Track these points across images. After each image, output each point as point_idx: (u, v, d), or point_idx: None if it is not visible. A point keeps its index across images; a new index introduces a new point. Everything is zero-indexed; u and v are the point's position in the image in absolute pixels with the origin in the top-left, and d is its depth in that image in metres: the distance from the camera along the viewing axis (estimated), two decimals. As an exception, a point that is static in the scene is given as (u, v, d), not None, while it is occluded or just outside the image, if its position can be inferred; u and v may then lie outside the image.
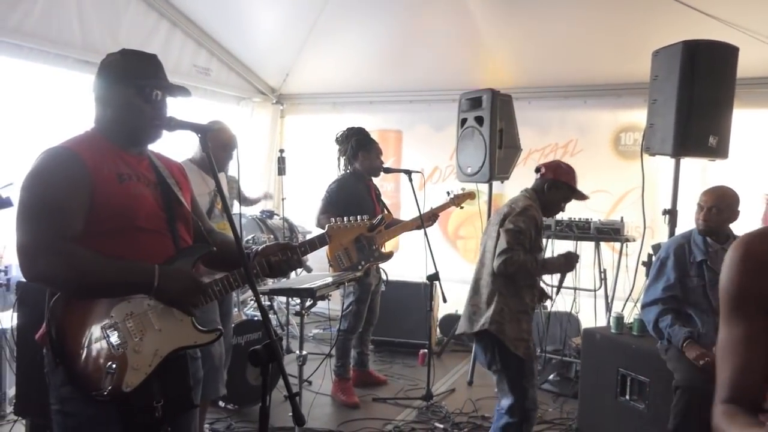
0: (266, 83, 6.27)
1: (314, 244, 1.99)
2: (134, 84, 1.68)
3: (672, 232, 3.53)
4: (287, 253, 1.85)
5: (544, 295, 3.13)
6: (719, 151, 3.37)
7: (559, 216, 3.43)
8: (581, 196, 2.99)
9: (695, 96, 3.25)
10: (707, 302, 2.91)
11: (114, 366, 1.57)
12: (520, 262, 2.69)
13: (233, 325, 3.58)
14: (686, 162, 3.64)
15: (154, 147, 1.83)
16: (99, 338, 1.58)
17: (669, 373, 2.90)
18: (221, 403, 3.65)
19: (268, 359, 1.55)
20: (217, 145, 3.02)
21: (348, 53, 5.58)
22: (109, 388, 1.55)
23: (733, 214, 2.99)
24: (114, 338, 1.58)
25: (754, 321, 1.01)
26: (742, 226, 2.67)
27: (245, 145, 5.85)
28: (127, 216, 1.65)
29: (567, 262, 2.93)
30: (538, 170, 3.02)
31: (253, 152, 6.19)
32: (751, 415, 0.99)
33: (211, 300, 1.78)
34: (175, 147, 2.12)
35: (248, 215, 5.31)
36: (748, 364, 1.02)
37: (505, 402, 2.78)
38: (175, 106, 1.79)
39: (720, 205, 2.91)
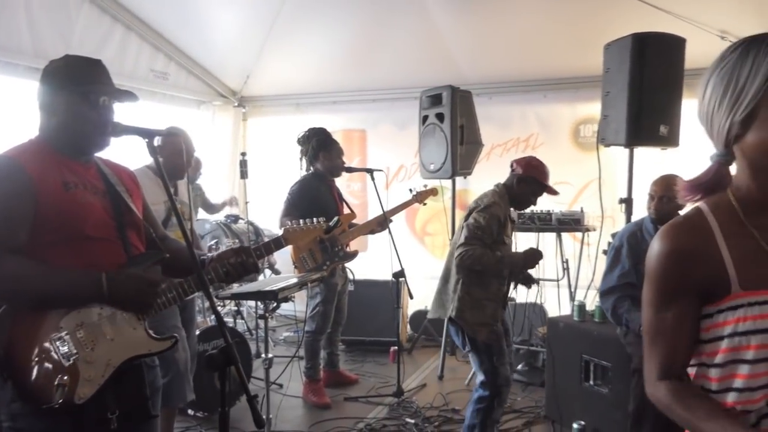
0: (227, 86, 6.21)
1: (270, 248, 1.99)
2: (79, 90, 1.65)
3: (629, 221, 3.62)
4: (242, 256, 1.84)
5: (529, 281, 3.28)
6: (670, 139, 3.47)
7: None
8: (551, 191, 3.11)
9: (645, 87, 3.34)
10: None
11: (65, 378, 1.54)
12: (476, 256, 2.87)
13: (199, 332, 3.55)
14: (646, 152, 3.73)
15: (111, 153, 1.80)
16: (49, 350, 1.55)
17: (629, 357, 2.98)
18: (190, 411, 3.61)
19: (225, 363, 1.55)
20: (173, 151, 2.98)
21: (309, 54, 5.57)
22: (60, 401, 1.52)
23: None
24: (64, 350, 1.56)
25: (683, 306, 1.06)
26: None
27: (207, 149, 5.83)
28: (74, 225, 1.62)
29: (526, 259, 3.02)
30: (511, 165, 3.15)
31: (216, 156, 6.13)
32: (699, 392, 1.06)
33: (167, 306, 1.77)
34: (135, 154, 2.06)
35: (212, 220, 5.26)
36: (679, 345, 1.07)
37: (479, 378, 3.01)
38: (132, 113, 1.76)
39: (670, 194, 3.00)
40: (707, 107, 1.05)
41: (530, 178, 3.06)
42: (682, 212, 1.14)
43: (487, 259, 2.89)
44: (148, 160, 3.05)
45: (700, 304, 1.05)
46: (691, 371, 1.10)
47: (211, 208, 5.38)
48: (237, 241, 4.86)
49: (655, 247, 1.07)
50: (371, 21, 5.13)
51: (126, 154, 2.01)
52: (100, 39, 4.52)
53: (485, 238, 2.92)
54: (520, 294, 3.73)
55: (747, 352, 1.00)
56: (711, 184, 1.05)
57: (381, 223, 4.03)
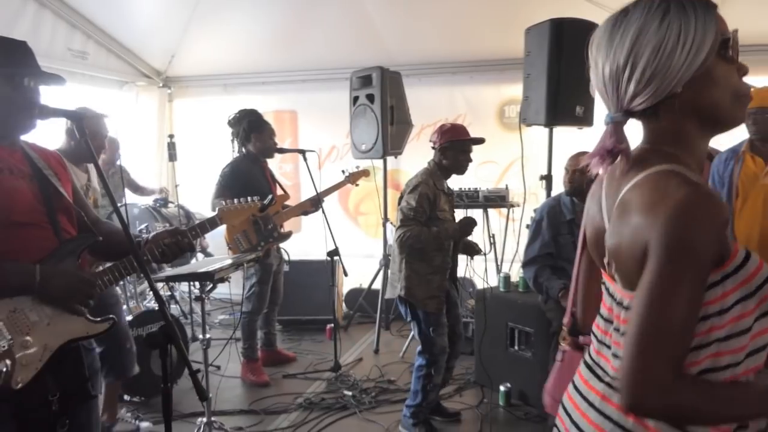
0: (150, 66, 6.01)
1: (205, 227, 2.02)
2: (2, 72, 1.61)
3: (549, 196, 3.85)
4: (177, 237, 1.86)
5: (473, 250, 3.48)
6: (585, 119, 3.70)
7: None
8: (475, 141, 3.29)
9: (562, 70, 3.54)
10: (577, 256, 3.24)
11: (3, 364, 1.53)
12: (414, 235, 3.07)
13: (132, 317, 3.51)
14: (564, 131, 3.96)
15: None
16: (-18, 337, 1.54)
17: (549, 322, 3.22)
18: (126, 397, 3.58)
19: (166, 341, 1.59)
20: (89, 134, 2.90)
21: (236, 33, 5.47)
22: (-2, 385, 1.52)
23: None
24: (-1, 336, 1.55)
25: (705, 282, 0.92)
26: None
27: (132, 131, 5.65)
28: (1, 211, 1.60)
29: (461, 228, 3.21)
30: (430, 142, 3.32)
31: (141, 138, 5.94)
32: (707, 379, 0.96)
33: (103, 290, 1.77)
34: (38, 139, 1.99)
35: (141, 205, 5.13)
36: (691, 333, 0.93)
37: (419, 348, 3.25)
38: (51, 94, 1.73)
39: (582, 168, 3.23)
40: (616, 69, 0.99)
41: (448, 143, 3.23)
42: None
43: (425, 236, 3.09)
44: (55, 144, 2.97)
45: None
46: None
47: (139, 190, 5.23)
48: (168, 225, 4.77)
49: (694, 213, 0.88)
50: (300, 0, 5.11)
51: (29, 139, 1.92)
52: (11, 16, 4.26)
53: (419, 216, 3.10)
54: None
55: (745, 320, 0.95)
56: (616, 146, 1.00)
57: (315, 203, 4.08)
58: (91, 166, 3.06)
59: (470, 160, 3.32)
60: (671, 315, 0.88)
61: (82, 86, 5.14)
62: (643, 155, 1.02)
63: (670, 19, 0.96)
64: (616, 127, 1.02)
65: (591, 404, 1.07)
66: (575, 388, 1.15)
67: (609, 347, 1.07)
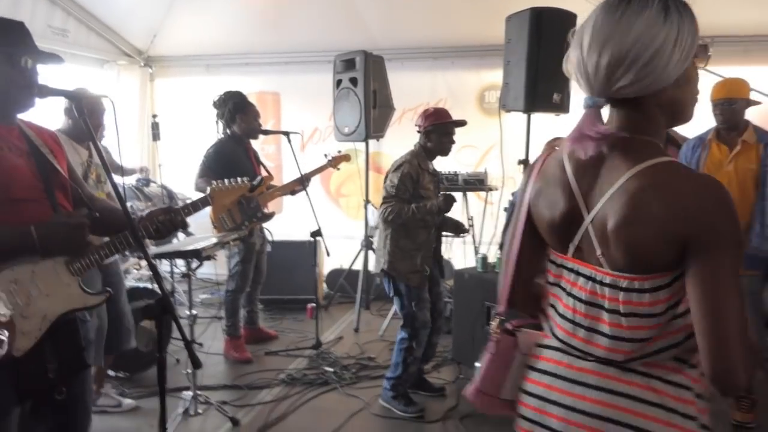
0: (132, 45, 5.97)
1: (197, 206, 2.09)
2: (2, 51, 1.66)
3: (526, 180, 3.98)
4: (171, 214, 1.93)
5: (459, 229, 3.63)
6: (562, 106, 3.83)
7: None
8: (457, 124, 3.44)
9: (541, 58, 3.65)
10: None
11: (3, 332, 1.60)
12: (395, 211, 3.23)
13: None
14: (541, 117, 4.08)
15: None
16: (-16, 307, 1.60)
17: (524, 302, 3.36)
18: (111, 372, 3.65)
19: (162, 311, 1.67)
20: (89, 113, 2.93)
21: (220, 14, 5.47)
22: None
23: None
24: (0, 306, 1.61)
25: None
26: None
27: (112, 110, 5.61)
28: (1, 188, 1.66)
29: (441, 204, 3.32)
30: (416, 125, 3.46)
31: (122, 117, 5.90)
32: None
33: (102, 260, 1.83)
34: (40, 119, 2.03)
35: (123, 184, 5.13)
36: None
37: (402, 322, 3.40)
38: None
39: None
40: (617, 57, 1.03)
41: (432, 126, 3.37)
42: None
43: (405, 211, 3.25)
44: (55, 124, 3.00)
45: None
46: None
47: (119, 170, 5.23)
48: (150, 203, 4.81)
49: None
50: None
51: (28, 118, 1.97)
52: (-10, -9, 4.23)
53: (400, 194, 3.26)
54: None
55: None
56: (600, 132, 1.05)
57: (302, 181, 4.14)
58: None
59: (453, 142, 3.46)
60: (738, 300, 0.96)
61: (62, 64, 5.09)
62: (628, 143, 1.07)
63: (671, 18, 1.01)
64: (596, 111, 1.06)
65: (588, 385, 1.10)
66: (553, 374, 1.16)
67: (596, 330, 1.09)
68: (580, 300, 1.12)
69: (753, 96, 3.20)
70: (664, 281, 1.03)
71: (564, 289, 1.16)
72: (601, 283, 1.08)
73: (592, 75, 1.06)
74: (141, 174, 5.22)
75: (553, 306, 1.20)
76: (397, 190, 3.27)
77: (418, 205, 3.26)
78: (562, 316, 1.16)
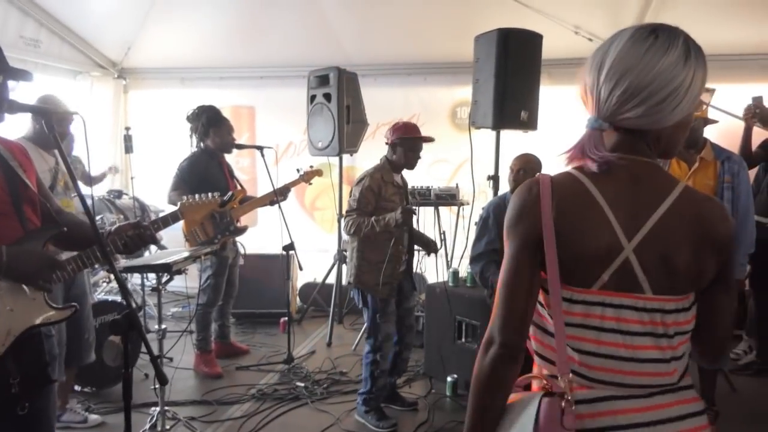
0: (105, 56, 5.95)
1: (167, 221, 2.10)
2: None
3: (495, 195, 4.06)
4: (140, 229, 1.94)
5: (430, 246, 3.68)
6: (530, 123, 3.93)
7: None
8: (423, 140, 3.49)
9: (509, 77, 3.75)
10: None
11: (-35, 347, 1.59)
12: (355, 223, 3.31)
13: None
14: (510, 134, 4.17)
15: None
16: (-54, 322, 1.59)
17: (493, 316, 3.41)
18: (77, 387, 3.60)
19: (128, 327, 1.67)
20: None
21: (195, 27, 5.48)
22: (-38, 368, 1.57)
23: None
24: (-37, 321, 1.60)
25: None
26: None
27: (85, 121, 5.56)
28: (-32, 200, 1.65)
29: (400, 216, 3.27)
30: (385, 138, 3.54)
31: (95, 129, 5.87)
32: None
33: (67, 279, 1.84)
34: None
35: (95, 196, 5.09)
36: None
37: (366, 334, 3.45)
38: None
39: (525, 167, 3.45)
40: (636, 87, 1.06)
41: (398, 140, 3.42)
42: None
43: (365, 224, 3.30)
44: (19, 132, 2.99)
45: None
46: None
47: (92, 180, 5.19)
48: (122, 216, 4.77)
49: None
50: (258, -1, 5.17)
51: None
52: (-41, 1, 4.19)
53: (362, 207, 3.33)
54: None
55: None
56: (607, 158, 1.11)
57: (280, 192, 4.11)
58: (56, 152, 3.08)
59: (419, 157, 3.51)
60: None
61: (35, 75, 5.04)
62: (651, 168, 1.12)
63: (690, 63, 1.05)
64: (599, 134, 1.11)
65: (672, 419, 1.09)
66: (636, 425, 1.07)
67: (649, 359, 1.08)
68: (622, 332, 1.07)
69: (711, 114, 3.33)
70: (695, 296, 1.12)
71: (594, 327, 1.09)
72: (646, 310, 1.07)
73: (603, 100, 1.09)
74: (111, 173, 5.15)
75: (577, 349, 1.10)
76: (358, 203, 3.33)
77: (377, 218, 3.31)
78: (597, 354, 1.08)
